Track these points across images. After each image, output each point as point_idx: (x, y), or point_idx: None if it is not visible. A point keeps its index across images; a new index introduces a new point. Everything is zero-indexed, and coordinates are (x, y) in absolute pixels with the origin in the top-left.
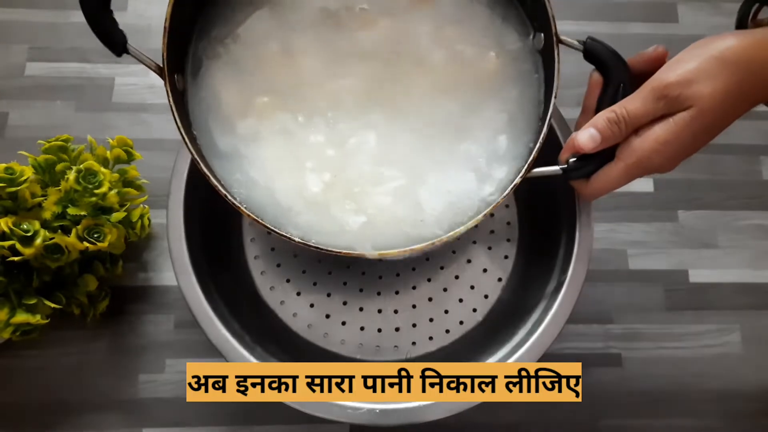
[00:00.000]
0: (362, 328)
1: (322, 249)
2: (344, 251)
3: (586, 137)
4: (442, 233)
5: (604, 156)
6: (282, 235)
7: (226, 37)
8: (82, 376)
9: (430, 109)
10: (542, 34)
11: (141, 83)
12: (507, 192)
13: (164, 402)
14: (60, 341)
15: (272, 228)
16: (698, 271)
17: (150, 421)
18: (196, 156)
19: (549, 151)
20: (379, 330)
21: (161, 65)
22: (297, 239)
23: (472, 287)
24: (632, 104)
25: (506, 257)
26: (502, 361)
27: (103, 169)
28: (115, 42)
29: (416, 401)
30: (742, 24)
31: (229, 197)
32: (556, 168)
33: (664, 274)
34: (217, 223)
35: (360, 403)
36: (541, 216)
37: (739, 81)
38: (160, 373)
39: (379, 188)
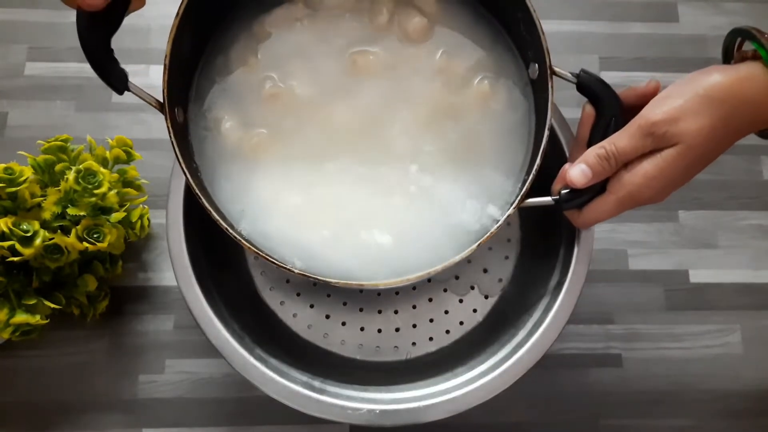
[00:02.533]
0: (362, 329)
1: (320, 280)
2: (342, 282)
3: (578, 173)
4: (438, 265)
5: (595, 188)
6: (284, 267)
7: (227, 72)
8: (81, 376)
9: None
10: (536, 65)
11: (140, 83)
12: (500, 222)
13: (164, 402)
14: (60, 341)
15: (275, 260)
16: (698, 271)
17: (150, 421)
18: (196, 189)
19: (553, 163)
20: (379, 330)
21: (161, 101)
22: (297, 270)
23: (472, 287)
24: (621, 141)
25: (507, 258)
26: (503, 362)
27: (102, 169)
28: (117, 81)
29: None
30: (728, 54)
31: (231, 231)
32: (548, 199)
33: (665, 274)
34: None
35: (360, 403)
36: (542, 216)
37: (724, 117)
38: (159, 374)
39: (373, 227)
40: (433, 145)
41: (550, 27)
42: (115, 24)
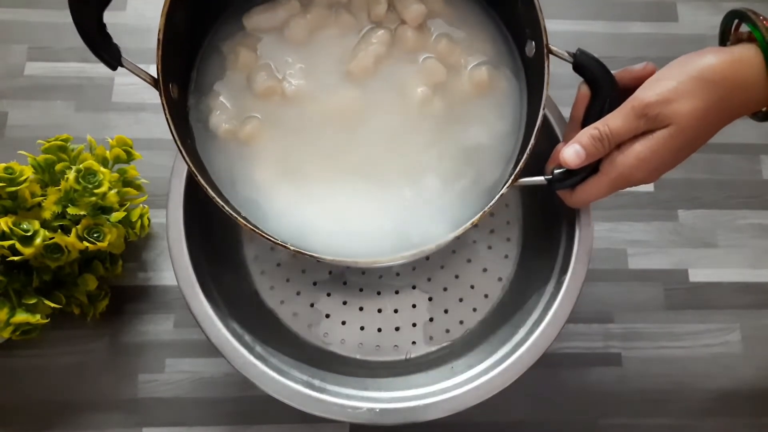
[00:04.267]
0: (362, 328)
1: (316, 257)
2: (338, 259)
3: (572, 153)
4: (432, 244)
5: (588, 169)
6: (279, 243)
7: (222, 68)
8: (81, 375)
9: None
10: (533, 42)
11: (140, 83)
12: (492, 202)
13: (164, 402)
14: (60, 341)
15: (270, 237)
16: (698, 271)
17: (150, 421)
18: (192, 167)
19: (546, 146)
20: (379, 329)
21: (156, 77)
22: (293, 248)
23: (472, 287)
24: (614, 122)
25: (506, 256)
26: (502, 361)
27: (102, 169)
28: (110, 57)
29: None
30: (724, 36)
31: (227, 208)
32: (541, 178)
33: (664, 273)
34: (216, 223)
35: (360, 402)
36: (541, 215)
37: (717, 99)
38: (159, 373)
39: (369, 214)
40: (428, 131)
41: (550, 27)
42: None
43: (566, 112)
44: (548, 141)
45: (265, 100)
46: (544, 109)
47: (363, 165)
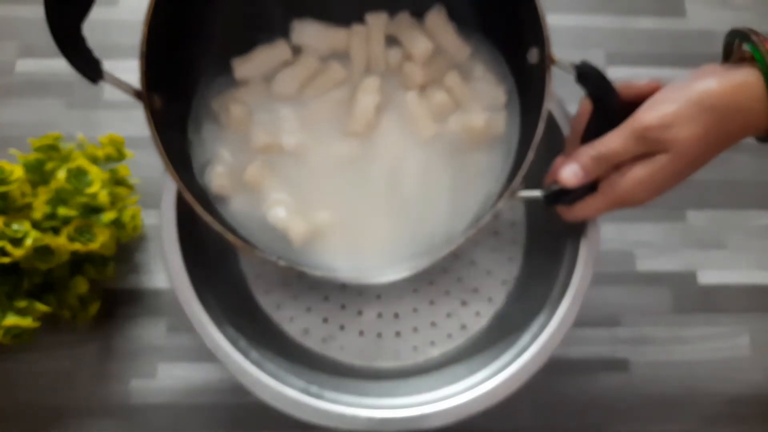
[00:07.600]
0: (361, 333)
1: (305, 271)
2: (327, 273)
3: (569, 174)
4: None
5: (585, 187)
6: (268, 258)
7: (213, 121)
8: (72, 380)
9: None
10: (536, 49)
11: (133, 80)
12: (487, 216)
13: (157, 408)
14: (50, 345)
15: (259, 252)
16: (707, 273)
17: (142, 427)
18: (181, 182)
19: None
20: (379, 335)
21: (139, 89)
22: (282, 262)
23: (476, 290)
24: (613, 142)
25: (511, 259)
26: (506, 367)
27: (93, 168)
28: (90, 70)
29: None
30: (727, 52)
31: (206, 216)
32: (538, 193)
33: (672, 275)
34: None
35: (359, 410)
36: (547, 217)
37: (717, 125)
38: (152, 379)
39: (369, 233)
40: (433, 165)
41: (554, 20)
42: (84, 7)
43: (572, 109)
44: (555, 140)
45: (265, 154)
46: (544, 121)
47: (368, 198)
